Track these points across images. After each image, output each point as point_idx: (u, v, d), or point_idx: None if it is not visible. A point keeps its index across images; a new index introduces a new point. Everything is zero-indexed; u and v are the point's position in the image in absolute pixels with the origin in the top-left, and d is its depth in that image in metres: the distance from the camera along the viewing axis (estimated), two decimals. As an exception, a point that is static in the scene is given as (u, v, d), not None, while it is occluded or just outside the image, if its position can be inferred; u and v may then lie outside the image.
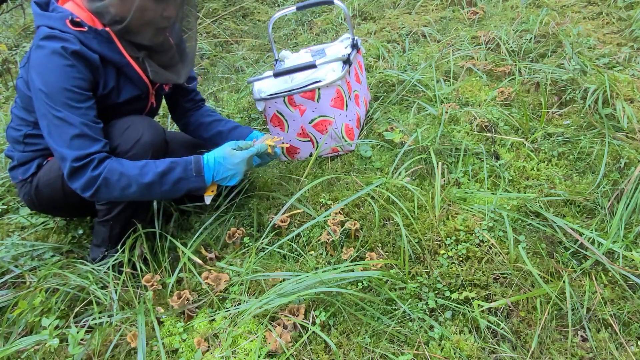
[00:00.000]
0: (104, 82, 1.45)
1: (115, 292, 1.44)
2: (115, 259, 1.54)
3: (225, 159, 1.48)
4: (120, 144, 1.44)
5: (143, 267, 1.55)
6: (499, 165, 1.75)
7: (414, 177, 1.77)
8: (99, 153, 1.37)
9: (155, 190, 1.41)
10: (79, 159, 1.34)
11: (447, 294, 1.33)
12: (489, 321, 1.24)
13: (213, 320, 1.36)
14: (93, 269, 1.53)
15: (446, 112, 2.04)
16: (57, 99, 1.34)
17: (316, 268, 1.45)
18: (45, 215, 1.89)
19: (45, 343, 1.29)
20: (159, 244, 1.61)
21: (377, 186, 1.61)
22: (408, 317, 1.28)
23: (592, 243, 1.40)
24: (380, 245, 1.51)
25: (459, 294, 1.32)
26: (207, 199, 1.54)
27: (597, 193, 1.58)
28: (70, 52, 1.34)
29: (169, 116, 2.55)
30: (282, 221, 1.61)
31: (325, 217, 1.54)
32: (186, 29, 1.59)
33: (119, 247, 1.58)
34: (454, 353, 1.18)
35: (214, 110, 1.95)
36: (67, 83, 1.34)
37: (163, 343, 1.30)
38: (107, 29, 1.42)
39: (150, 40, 1.45)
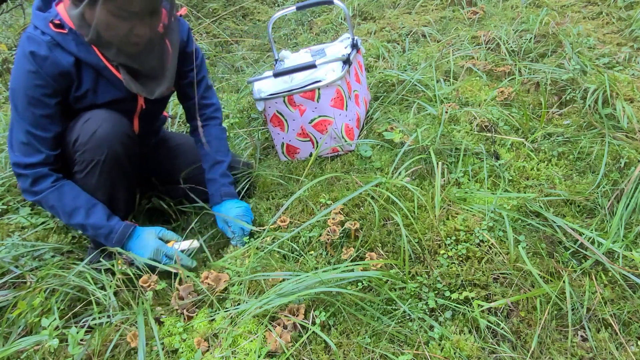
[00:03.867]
0: (77, 84, 1.45)
1: (115, 293, 1.44)
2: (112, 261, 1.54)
3: (139, 241, 1.53)
4: (80, 135, 1.46)
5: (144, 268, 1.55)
6: (499, 165, 1.75)
7: (413, 177, 1.77)
8: (37, 167, 1.45)
9: (82, 232, 1.56)
10: (17, 166, 1.46)
11: (447, 294, 1.33)
12: (489, 321, 1.24)
13: (213, 320, 1.36)
14: (90, 269, 1.53)
15: (446, 112, 2.04)
16: (18, 99, 1.41)
17: (316, 268, 1.45)
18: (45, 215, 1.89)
19: (45, 343, 1.29)
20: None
21: (376, 186, 1.60)
22: (408, 317, 1.28)
23: (592, 243, 1.40)
24: (380, 245, 1.51)
25: (459, 294, 1.32)
26: None
27: (597, 193, 1.58)
28: (37, 58, 1.37)
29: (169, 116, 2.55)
30: (282, 221, 1.61)
31: (323, 216, 1.53)
32: (167, 45, 1.52)
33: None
34: (454, 353, 1.18)
35: (220, 137, 1.80)
36: (28, 89, 1.39)
37: (163, 343, 1.30)
38: None
39: (115, 57, 1.41)
